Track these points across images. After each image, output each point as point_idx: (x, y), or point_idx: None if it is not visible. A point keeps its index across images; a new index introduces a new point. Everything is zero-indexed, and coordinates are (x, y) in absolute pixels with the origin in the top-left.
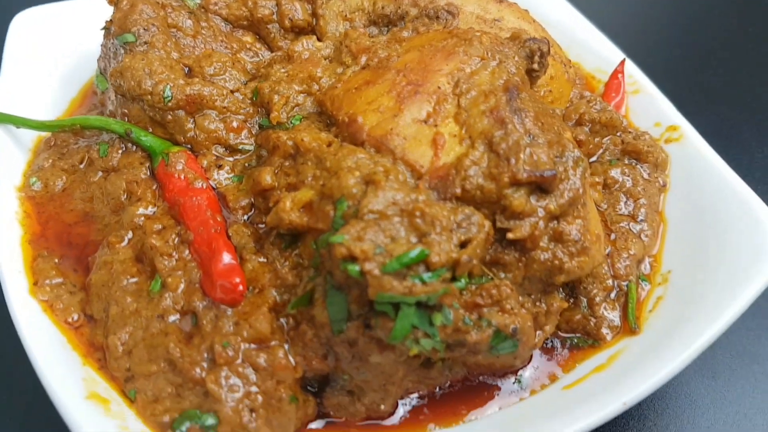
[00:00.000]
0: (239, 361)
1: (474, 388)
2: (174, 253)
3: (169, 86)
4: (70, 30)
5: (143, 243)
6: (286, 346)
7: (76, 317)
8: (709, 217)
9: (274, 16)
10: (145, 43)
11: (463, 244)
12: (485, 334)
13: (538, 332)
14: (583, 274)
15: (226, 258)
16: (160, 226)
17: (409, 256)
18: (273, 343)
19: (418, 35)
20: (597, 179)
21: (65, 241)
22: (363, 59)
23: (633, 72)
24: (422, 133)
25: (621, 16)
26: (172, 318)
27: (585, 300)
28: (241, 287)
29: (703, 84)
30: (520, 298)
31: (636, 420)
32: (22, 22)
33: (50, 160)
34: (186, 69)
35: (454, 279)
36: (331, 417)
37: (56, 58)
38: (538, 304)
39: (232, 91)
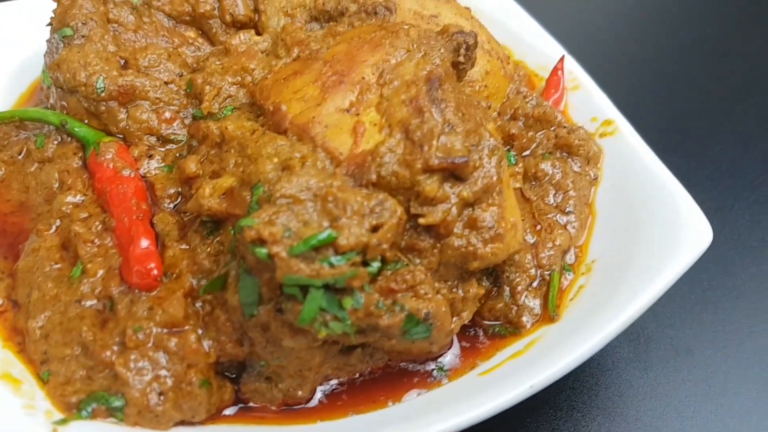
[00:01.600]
0: (150, 345)
1: (395, 375)
2: (96, 240)
3: (102, 77)
4: (21, 28)
5: (69, 230)
6: (200, 331)
7: (0, 302)
8: (635, 209)
9: (216, 12)
10: (83, 36)
11: (375, 229)
12: (397, 318)
13: (455, 318)
14: (498, 261)
15: (144, 244)
16: (86, 215)
17: (317, 238)
18: (186, 327)
19: (352, 29)
20: (518, 169)
21: (0, 229)
22: (295, 51)
23: (573, 68)
24: (344, 121)
25: (565, 13)
26: (89, 303)
27: (508, 289)
28: (155, 272)
29: (655, 78)
30: (436, 284)
31: (564, 411)
32: None
33: None
34: (122, 61)
35: (366, 264)
36: (250, 403)
37: (5, 55)
38: (454, 290)
39: (166, 83)
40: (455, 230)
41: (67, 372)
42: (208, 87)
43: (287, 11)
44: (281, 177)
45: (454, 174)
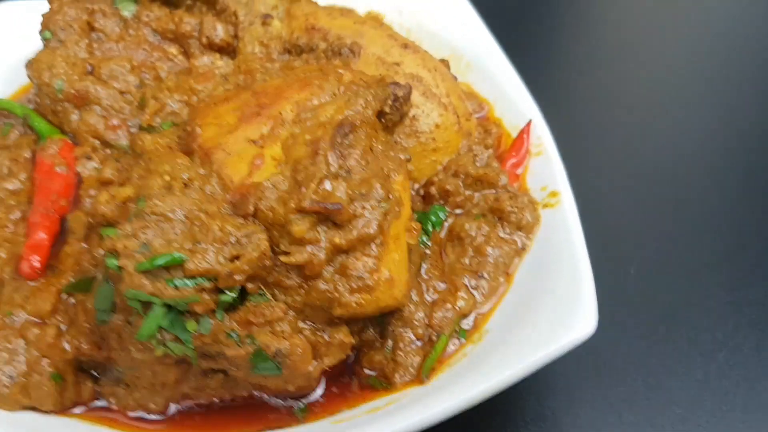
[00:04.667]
0: (15, 331)
1: (254, 407)
2: (11, 226)
3: (62, 80)
4: (29, 25)
5: None
6: (63, 328)
7: None
8: (544, 285)
9: (195, 33)
10: (59, 41)
11: (234, 259)
12: (244, 350)
13: (315, 362)
14: (365, 313)
15: (39, 236)
16: (12, 202)
17: (164, 258)
18: (53, 321)
19: (304, 66)
20: (414, 225)
21: None
22: (241, 79)
23: (542, 134)
24: (247, 151)
25: None
26: None
27: (391, 342)
28: (37, 264)
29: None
30: (300, 324)
31: None
32: None
33: None
34: (90, 68)
35: (222, 291)
36: (110, 404)
37: (11, 48)
38: (319, 333)
39: (121, 92)
40: (324, 274)
41: None
42: (153, 101)
43: (263, 41)
44: (160, 194)
45: (331, 219)
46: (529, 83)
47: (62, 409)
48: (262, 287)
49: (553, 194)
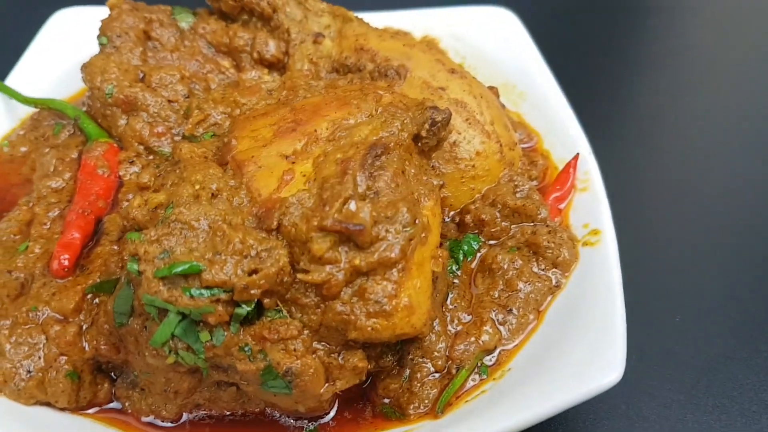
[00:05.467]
0: (37, 326)
1: (266, 424)
2: (47, 224)
3: (112, 85)
4: (88, 30)
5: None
6: (85, 326)
7: None
8: (574, 327)
9: (248, 47)
10: (114, 46)
11: (252, 273)
12: (255, 366)
13: (327, 384)
14: (381, 338)
15: (72, 234)
16: (53, 200)
17: (182, 266)
18: (75, 320)
19: (346, 85)
20: (441, 253)
21: (1, 196)
22: (283, 94)
23: (590, 169)
24: (278, 166)
25: None
26: (16, 275)
27: (408, 371)
28: (66, 262)
29: None
30: (315, 344)
31: None
32: (59, 17)
33: (23, 131)
34: (141, 75)
35: (237, 304)
36: (124, 408)
37: (68, 52)
38: (333, 355)
39: (169, 101)
40: (342, 295)
41: None
42: (197, 111)
43: (312, 59)
44: (187, 203)
45: (352, 240)
46: (581, 117)
47: (77, 407)
48: (279, 303)
49: (595, 232)
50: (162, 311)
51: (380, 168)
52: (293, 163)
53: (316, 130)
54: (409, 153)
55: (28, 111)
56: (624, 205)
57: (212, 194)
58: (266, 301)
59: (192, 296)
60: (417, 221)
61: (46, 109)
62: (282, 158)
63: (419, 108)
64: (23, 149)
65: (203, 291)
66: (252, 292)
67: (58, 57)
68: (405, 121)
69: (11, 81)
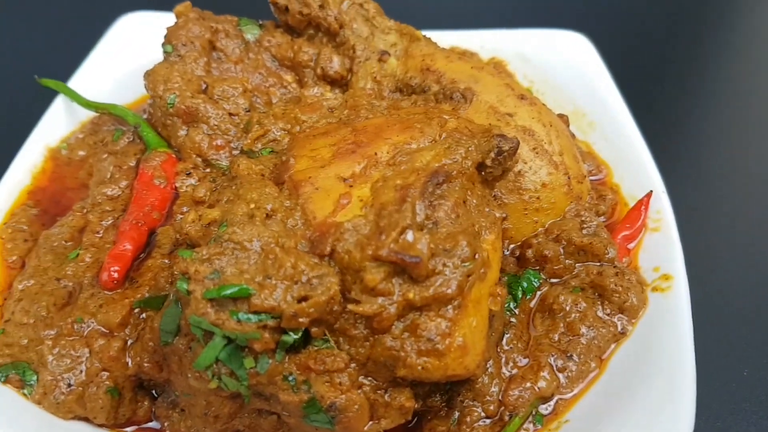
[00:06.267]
0: (81, 338)
1: None
2: (100, 232)
3: (174, 95)
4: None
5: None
6: (130, 342)
7: (14, 259)
8: (640, 379)
9: (312, 63)
10: (179, 55)
11: (302, 300)
12: (298, 397)
13: (371, 422)
14: (431, 378)
15: (124, 246)
16: (108, 208)
17: (231, 289)
18: (120, 334)
19: (410, 107)
20: (500, 291)
21: (56, 199)
22: (345, 113)
23: (663, 208)
24: (335, 188)
25: None
26: (64, 283)
27: (458, 414)
28: (116, 275)
29: None
30: (362, 378)
31: None
32: (124, 21)
33: (83, 134)
34: (204, 85)
35: (284, 332)
36: (162, 427)
37: (140, 56)
38: (380, 392)
39: (230, 114)
40: (393, 329)
41: (14, 335)
42: (257, 126)
43: (376, 77)
44: (241, 222)
45: (408, 272)
46: (655, 151)
47: (115, 424)
48: (327, 333)
49: (666, 277)
50: (208, 334)
51: (441, 197)
52: (351, 186)
53: (376, 153)
54: (472, 182)
55: (88, 114)
56: (693, 248)
57: (267, 214)
58: (314, 329)
59: (239, 320)
60: (477, 256)
61: (107, 114)
62: (340, 181)
63: (485, 135)
64: (81, 153)
65: (251, 316)
66: (300, 320)
67: (122, 62)
68: (469, 149)
69: (73, 83)
